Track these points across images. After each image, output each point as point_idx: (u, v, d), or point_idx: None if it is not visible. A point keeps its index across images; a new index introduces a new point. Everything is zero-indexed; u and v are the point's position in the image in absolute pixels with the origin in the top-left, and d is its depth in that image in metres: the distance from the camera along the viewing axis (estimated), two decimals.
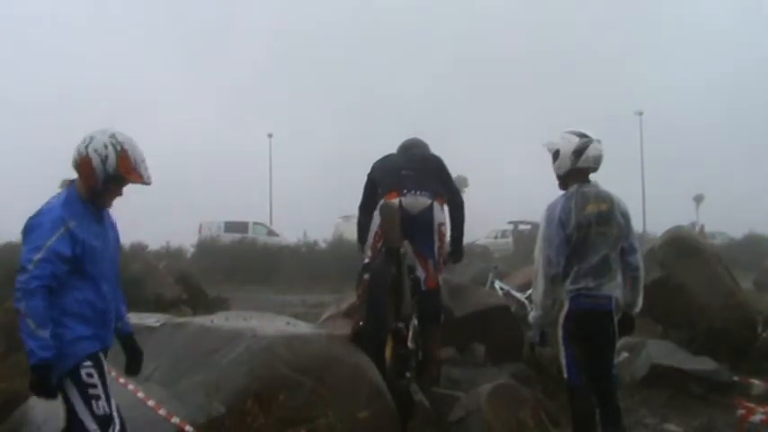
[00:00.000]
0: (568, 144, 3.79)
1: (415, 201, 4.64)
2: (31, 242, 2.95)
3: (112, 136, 3.09)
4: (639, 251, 3.87)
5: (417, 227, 4.61)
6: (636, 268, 3.80)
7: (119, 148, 3.07)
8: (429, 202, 4.65)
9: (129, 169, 3.09)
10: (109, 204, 3.20)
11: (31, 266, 2.88)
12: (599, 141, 3.82)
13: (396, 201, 4.61)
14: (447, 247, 4.96)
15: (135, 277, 9.79)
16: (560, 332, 3.75)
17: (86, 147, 3.05)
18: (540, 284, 3.76)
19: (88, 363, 2.99)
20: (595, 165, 3.80)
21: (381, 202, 4.69)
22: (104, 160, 3.04)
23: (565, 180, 3.84)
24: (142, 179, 3.14)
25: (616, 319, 3.74)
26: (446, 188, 4.87)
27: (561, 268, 3.69)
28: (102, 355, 3.06)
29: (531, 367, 5.77)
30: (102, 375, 3.02)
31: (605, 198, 3.76)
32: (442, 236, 4.72)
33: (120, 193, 3.18)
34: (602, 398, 3.71)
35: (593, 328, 3.70)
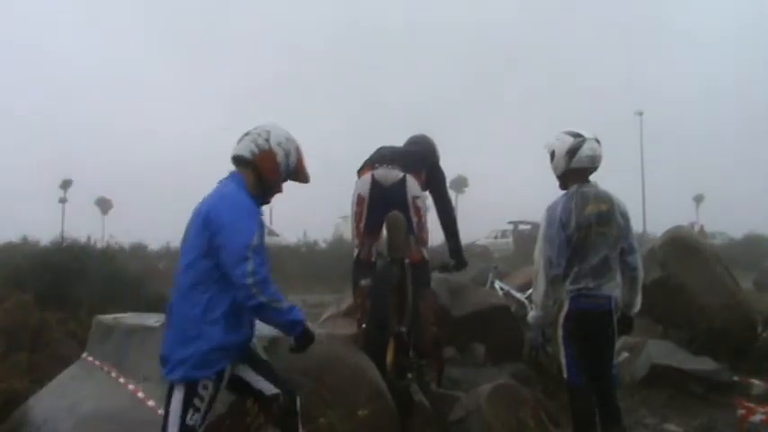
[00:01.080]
0: (562, 144, 3.79)
1: (387, 173, 4.52)
2: (238, 230, 2.78)
3: (284, 131, 3.09)
4: (638, 251, 3.86)
5: (391, 200, 4.47)
6: (634, 268, 3.80)
7: (295, 143, 3.07)
8: (401, 174, 4.52)
9: (303, 166, 3.09)
10: (270, 201, 3.12)
11: (250, 253, 2.73)
12: (596, 140, 3.80)
13: (369, 175, 4.54)
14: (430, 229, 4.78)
15: (135, 277, 9.80)
16: (560, 332, 3.75)
17: (267, 140, 3.00)
18: (540, 285, 3.75)
19: (213, 376, 2.87)
20: (591, 164, 3.78)
21: (358, 181, 4.61)
22: (288, 155, 3.02)
23: (563, 180, 3.85)
24: (308, 178, 3.15)
25: (615, 318, 3.74)
26: (437, 191, 4.82)
27: (562, 269, 3.69)
28: (228, 371, 2.93)
29: (531, 367, 5.77)
30: (216, 391, 2.90)
31: (605, 198, 3.76)
32: (417, 209, 4.54)
33: (281, 190, 3.13)
34: (602, 398, 3.70)
35: (592, 327, 3.70)
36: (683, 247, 7.28)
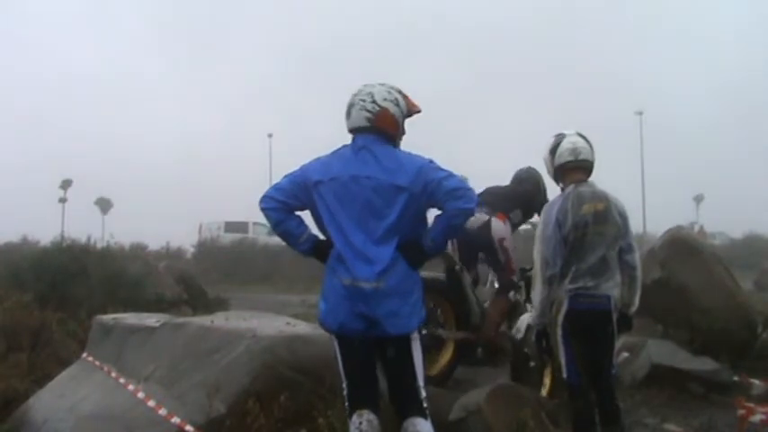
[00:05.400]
0: (546, 146, 3.89)
1: (474, 218, 4.80)
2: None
3: (383, 86, 3.18)
4: (637, 251, 3.86)
5: (477, 244, 5.00)
6: (633, 267, 3.79)
7: (397, 90, 3.18)
8: (486, 218, 4.94)
9: (412, 104, 3.20)
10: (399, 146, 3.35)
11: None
12: (578, 134, 3.85)
13: None
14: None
15: (135, 277, 9.80)
16: (559, 332, 3.75)
17: (375, 102, 3.09)
18: (537, 286, 3.77)
19: None
20: (574, 156, 3.79)
21: None
22: (398, 104, 3.14)
23: (558, 181, 3.89)
24: (419, 108, 3.24)
25: (615, 318, 3.73)
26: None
27: (558, 269, 3.69)
28: None
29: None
30: None
31: (601, 197, 3.77)
32: (505, 250, 5.09)
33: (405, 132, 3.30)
34: (602, 398, 3.70)
35: (592, 327, 3.70)
36: (683, 247, 7.27)
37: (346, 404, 2.97)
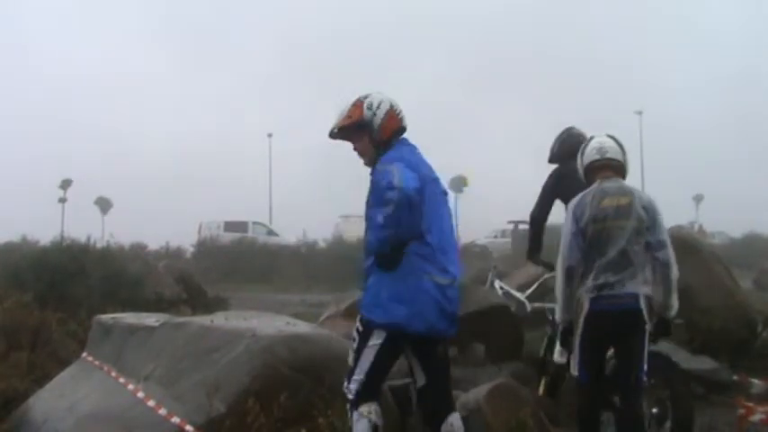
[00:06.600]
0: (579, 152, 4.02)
1: None
2: None
3: None
4: (670, 247, 3.69)
5: None
6: (665, 265, 3.62)
7: None
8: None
9: None
10: None
11: None
12: (608, 135, 3.97)
13: None
14: None
15: (135, 277, 9.80)
16: (578, 330, 3.66)
17: None
18: (558, 279, 3.76)
19: None
20: (601, 155, 3.86)
21: None
22: None
23: (589, 180, 3.90)
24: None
25: (647, 318, 3.58)
26: None
27: (575, 261, 3.64)
28: None
29: (530, 367, 5.76)
30: None
31: (626, 192, 3.73)
32: None
33: None
34: (625, 404, 3.61)
35: (615, 329, 3.61)
36: (682, 246, 7.23)
37: (352, 397, 3.12)
